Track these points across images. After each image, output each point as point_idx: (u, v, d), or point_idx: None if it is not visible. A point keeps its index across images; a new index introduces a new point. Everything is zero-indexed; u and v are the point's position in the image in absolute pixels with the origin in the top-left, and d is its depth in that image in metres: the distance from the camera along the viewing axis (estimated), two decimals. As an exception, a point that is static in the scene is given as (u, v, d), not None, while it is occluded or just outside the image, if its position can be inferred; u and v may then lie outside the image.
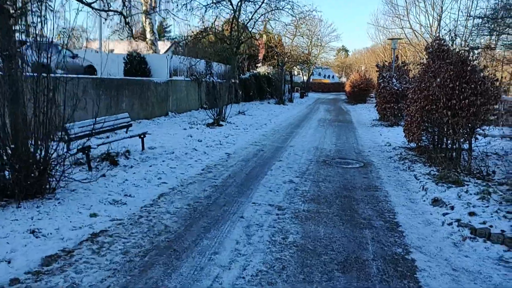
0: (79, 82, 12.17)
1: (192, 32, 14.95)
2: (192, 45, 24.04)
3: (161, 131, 12.66)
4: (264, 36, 43.13)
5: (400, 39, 21.18)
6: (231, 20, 13.99)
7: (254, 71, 35.84)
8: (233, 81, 30.13)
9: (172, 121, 15.84)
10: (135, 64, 18.32)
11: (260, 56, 43.27)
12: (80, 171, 7.42)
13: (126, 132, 9.34)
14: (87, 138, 7.38)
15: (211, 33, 14.21)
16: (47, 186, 5.84)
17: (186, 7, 15.28)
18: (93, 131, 7.93)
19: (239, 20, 14.36)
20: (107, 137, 9.38)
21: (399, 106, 16.72)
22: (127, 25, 10.10)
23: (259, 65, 41.58)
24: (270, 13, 15.11)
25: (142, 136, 9.23)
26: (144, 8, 19.79)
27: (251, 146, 11.18)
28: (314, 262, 4.18)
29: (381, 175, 8.32)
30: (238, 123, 15.87)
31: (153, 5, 19.87)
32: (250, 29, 15.18)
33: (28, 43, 14.22)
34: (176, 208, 5.67)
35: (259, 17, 14.82)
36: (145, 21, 20.08)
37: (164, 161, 8.45)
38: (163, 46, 35.20)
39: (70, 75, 13.02)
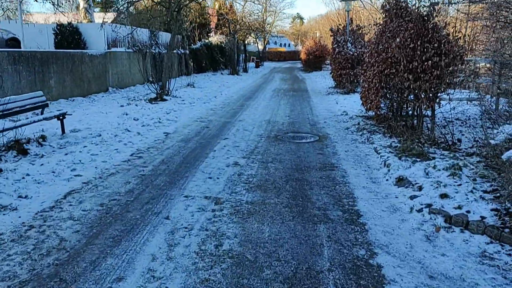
0: (-11, 56, 10.44)
1: None
2: (136, 14, 22.08)
3: (93, 110, 11.17)
4: (216, 4, 41.14)
5: (353, 0, 20.16)
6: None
7: (206, 41, 34.02)
8: (183, 51, 28.40)
9: (110, 98, 14.28)
10: (67, 35, 16.38)
11: (212, 25, 41.31)
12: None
13: (42, 114, 7.88)
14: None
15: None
16: None
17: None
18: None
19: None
20: (17, 120, 7.89)
21: (355, 72, 15.89)
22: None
23: (211, 34, 39.68)
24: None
25: (61, 117, 7.80)
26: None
27: (195, 123, 9.96)
28: (253, 281, 3.15)
29: (337, 150, 7.40)
30: (185, 97, 14.52)
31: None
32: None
33: None
34: (83, 211, 4.46)
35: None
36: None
37: (85, 146, 7.12)
38: (108, 18, 32.59)
39: None
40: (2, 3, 33.14)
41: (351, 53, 16.14)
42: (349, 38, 16.89)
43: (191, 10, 24.13)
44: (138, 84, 18.94)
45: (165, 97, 13.65)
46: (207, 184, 5.43)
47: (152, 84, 14.00)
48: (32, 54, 12.04)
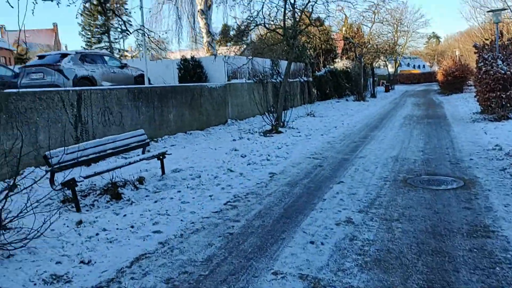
0: (110, 94, 10.76)
1: (239, 25, 12.77)
2: (257, 44, 22.09)
3: (203, 145, 10.73)
4: (343, 28, 39.94)
5: (503, 9, 17.07)
6: (283, 5, 11.66)
7: (331, 67, 32.88)
8: (305, 79, 27.69)
9: (227, 130, 13.92)
10: (190, 69, 16.77)
11: (339, 50, 40.12)
12: (66, 212, 5.65)
13: (143, 153, 7.48)
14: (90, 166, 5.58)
15: (260, 24, 11.97)
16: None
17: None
18: (90, 156, 6.17)
19: (294, 5, 11.95)
20: (126, 159, 7.62)
21: (508, 95, 13.09)
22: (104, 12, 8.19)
23: (337, 60, 38.47)
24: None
25: (160, 157, 7.29)
26: (199, 7, 18.23)
27: (307, 160, 8.73)
28: None
29: (493, 203, 5.43)
30: (302, 128, 13.44)
31: (208, 3, 18.22)
32: (308, 15, 12.63)
33: (71, 55, 13.22)
34: (142, 289, 3.53)
35: (318, -1, 12.17)
36: (201, 21, 18.48)
37: (179, 191, 6.40)
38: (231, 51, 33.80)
39: (99, 87, 11.72)
40: (139, 44, 36.66)
41: (503, 72, 13.35)
42: (499, 55, 14.08)
43: (315, 37, 23.29)
44: (258, 115, 18.54)
45: (280, 129, 12.75)
46: (306, 253, 4.12)
47: (268, 115, 13.25)
48: (152, 89, 12.25)
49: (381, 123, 14.86)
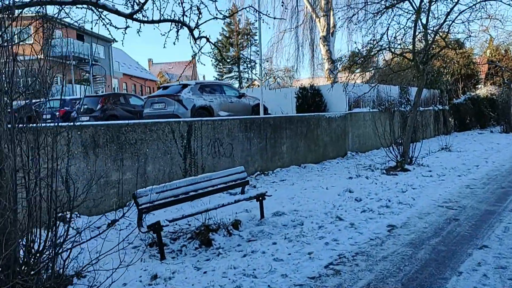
0: (221, 125, 10.46)
1: (358, 50, 11.56)
2: (383, 70, 20.49)
3: (313, 183, 9.66)
4: (487, 51, 35.54)
5: None
6: (413, 27, 10.17)
7: (472, 94, 29.14)
8: (441, 107, 24.84)
9: (344, 165, 12.70)
10: (308, 97, 16.00)
11: (482, 75, 35.70)
12: (150, 259, 5.16)
13: (242, 193, 6.76)
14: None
15: (385, 48, 10.60)
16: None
17: (351, 20, 12.08)
18: (179, 196, 5.68)
19: (427, 26, 10.34)
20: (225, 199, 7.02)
21: None
22: (194, 39, 7.69)
23: (479, 86, 34.18)
24: (479, 8, 10.49)
25: (260, 198, 6.49)
26: (321, 34, 17.50)
27: (439, 210, 7.08)
28: None
29: None
30: (434, 166, 11.51)
31: (330, 30, 17.41)
32: (444, 36, 10.82)
33: (191, 85, 13.53)
34: None
35: (457, 17, 10.35)
36: (323, 48, 17.70)
37: (275, 243, 5.46)
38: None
39: (210, 118, 11.52)
40: (265, 73, 37.20)
41: None
42: None
43: (452, 61, 20.76)
44: (383, 148, 16.84)
45: (406, 166, 11.07)
46: None
47: (393, 148, 11.68)
48: (264, 120, 11.72)
49: (538, 162, 12.08)
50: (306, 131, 13.17)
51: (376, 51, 10.75)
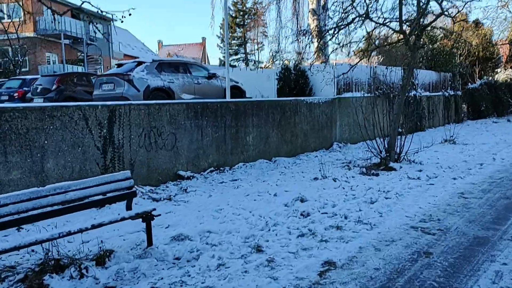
0: (161, 110, 8.56)
1: (330, 17, 9.37)
2: (384, 50, 18.22)
3: (265, 186, 7.70)
4: (505, 32, 32.44)
5: None
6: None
7: (490, 78, 26.45)
8: (452, 93, 22.40)
9: (322, 160, 10.67)
10: (291, 80, 13.91)
11: (503, 58, 32.76)
12: None
13: (128, 209, 4.82)
14: None
15: (362, 16, 8.40)
16: None
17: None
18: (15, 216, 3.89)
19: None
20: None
21: None
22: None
23: (498, 70, 31.32)
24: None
25: (146, 217, 4.57)
26: (310, 6, 15.28)
27: (410, 234, 5.06)
28: None
29: None
30: (428, 164, 9.42)
31: (322, 1, 15.16)
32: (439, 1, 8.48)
33: (146, 63, 11.60)
34: None
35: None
36: (312, 23, 15.48)
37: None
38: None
39: (142, 102, 9.56)
40: (273, 54, 34.94)
41: None
42: None
43: (466, 42, 18.32)
44: (378, 138, 14.71)
45: (392, 164, 9.00)
46: None
47: (381, 141, 9.63)
48: (223, 105, 9.75)
49: (559, 161, 9.84)
50: (279, 119, 11.17)
51: (352, 19, 8.59)
